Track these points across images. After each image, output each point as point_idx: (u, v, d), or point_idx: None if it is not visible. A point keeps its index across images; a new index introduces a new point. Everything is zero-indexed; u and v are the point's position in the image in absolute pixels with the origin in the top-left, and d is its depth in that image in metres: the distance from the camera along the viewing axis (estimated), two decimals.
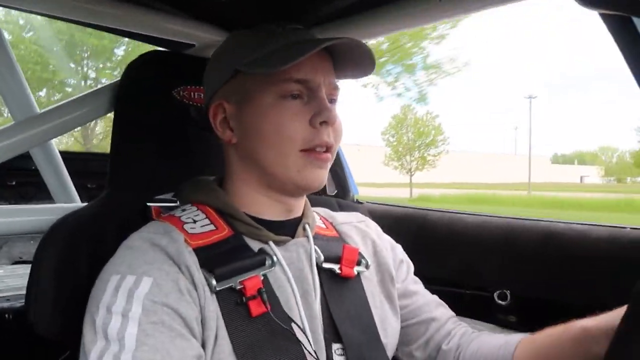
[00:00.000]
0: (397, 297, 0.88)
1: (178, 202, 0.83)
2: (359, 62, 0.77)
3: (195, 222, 0.73)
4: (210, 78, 0.82)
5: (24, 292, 1.25)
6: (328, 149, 0.75)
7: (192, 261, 0.67)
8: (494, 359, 0.79)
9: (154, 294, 0.61)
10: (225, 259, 0.69)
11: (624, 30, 0.71)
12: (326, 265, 0.78)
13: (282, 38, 0.75)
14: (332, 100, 0.77)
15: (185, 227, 0.72)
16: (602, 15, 0.71)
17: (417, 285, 0.93)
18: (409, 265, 0.94)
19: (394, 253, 0.92)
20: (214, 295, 0.66)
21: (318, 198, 1.24)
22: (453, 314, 0.92)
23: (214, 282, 0.66)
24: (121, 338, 0.59)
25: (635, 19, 0.69)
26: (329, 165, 0.77)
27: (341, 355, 0.74)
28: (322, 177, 0.75)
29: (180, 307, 0.62)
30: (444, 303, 0.93)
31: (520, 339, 0.79)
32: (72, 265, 0.77)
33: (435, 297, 0.93)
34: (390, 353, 0.83)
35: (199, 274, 0.66)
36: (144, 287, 0.62)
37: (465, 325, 0.90)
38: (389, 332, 0.83)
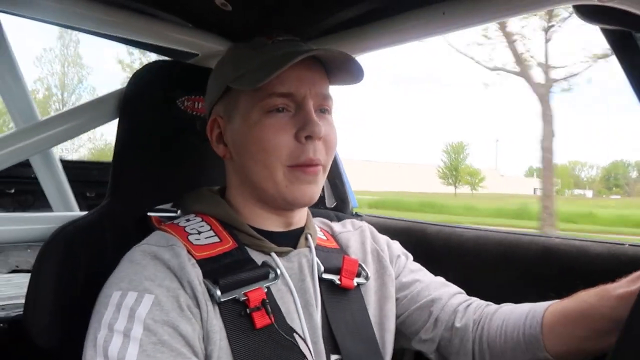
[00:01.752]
0: (395, 291, 0.87)
1: (178, 212, 0.83)
2: (349, 70, 0.77)
3: (199, 233, 0.74)
4: (208, 93, 0.83)
5: (19, 301, 1.24)
6: (317, 163, 0.74)
7: (195, 274, 0.66)
8: (521, 329, 0.76)
9: (154, 313, 0.61)
10: (229, 270, 0.69)
11: (625, 45, 0.71)
12: (326, 276, 0.78)
13: (270, 51, 0.75)
14: (324, 110, 0.77)
15: (190, 238, 0.72)
16: (604, 30, 0.72)
17: (414, 273, 0.91)
18: (407, 256, 0.94)
19: (390, 250, 0.92)
20: (217, 308, 0.66)
21: (316, 211, 1.23)
22: (460, 290, 0.90)
23: (218, 292, 0.66)
24: (121, 358, 0.58)
25: (635, 34, 0.70)
26: (321, 179, 0.76)
27: None
28: (311, 192, 0.75)
29: (181, 325, 0.62)
30: (449, 283, 0.91)
31: (547, 305, 0.76)
32: (71, 274, 0.76)
33: (438, 278, 0.91)
34: None
35: (201, 288, 0.66)
36: (146, 305, 0.62)
37: (475, 299, 0.88)
38: (387, 340, 0.83)
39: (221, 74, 0.80)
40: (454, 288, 0.90)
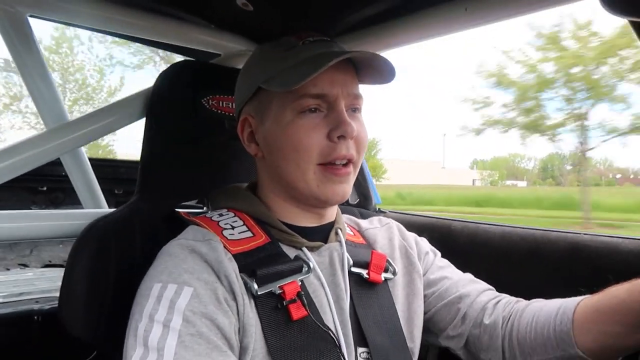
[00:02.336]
0: (424, 288, 0.87)
1: (205, 209, 0.85)
2: (380, 70, 0.77)
3: (233, 228, 0.75)
4: (238, 93, 0.84)
5: (52, 294, 1.28)
6: (349, 161, 0.75)
7: (232, 268, 0.68)
8: (552, 325, 0.75)
9: (193, 305, 0.63)
10: (264, 264, 0.70)
11: None
12: (355, 269, 0.79)
13: (302, 52, 0.76)
14: (356, 109, 0.78)
15: (225, 233, 0.74)
16: (632, 23, 0.69)
17: (442, 270, 0.91)
18: (435, 253, 0.94)
19: (419, 247, 0.93)
20: (253, 301, 0.68)
21: (340, 207, 1.24)
22: (489, 287, 0.89)
23: (255, 286, 0.67)
24: (160, 348, 0.60)
25: None
26: (352, 179, 0.77)
27: (366, 359, 0.74)
28: (343, 191, 0.76)
29: (218, 318, 0.63)
30: (478, 280, 0.91)
31: (578, 300, 0.75)
32: (103, 267, 0.79)
33: (467, 275, 0.91)
34: (415, 358, 0.83)
35: (238, 282, 0.67)
36: (185, 297, 0.63)
37: (505, 295, 0.87)
38: (416, 335, 0.83)
39: (252, 74, 0.81)
40: (483, 285, 0.90)
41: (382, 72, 0.77)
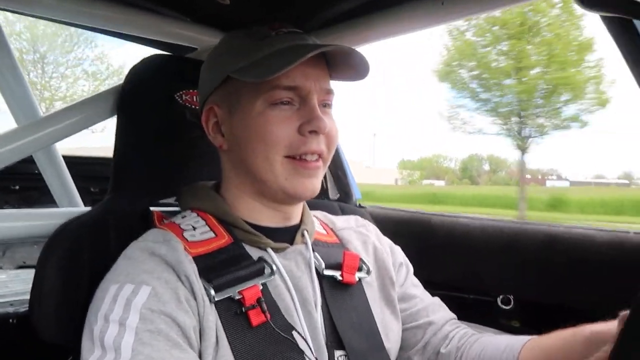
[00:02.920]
0: (397, 300, 0.87)
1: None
2: (354, 66, 0.76)
3: (194, 229, 0.73)
4: (203, 82, 0.81)
5: (27, 297, 1.25)
6: (320, 156, 0.74)
7: (192, 270, 0.66)
8: None
9: (151, 303, 0.61)
10: (224, 268, 0.69)
11: (625, 32, 0.70)
12: (327, 272, 0.78)
13: (275, 43, 0.74)
14: (326, 105, 0.76)
15: (185, 234, 0.72)
16: (603, 18, 0.71)
17: (416, 288, 0.92)
18: (408, 268, 0.94)
19: (394, 256, 0.92)
20: (213, 305, 0.66)
21: (320, 202, 1.23)
22: (453, 316, 0.91)
23: (212, 292, 0.66)
24: (117, 347, 0.58)
25: (636, 22, 0.69)
26: (321, 173, 0.76)
27: None
28: (312, 185, 0.74)
29: (178, 316, 0.62)
30: (444, 305, 0.92)
31: (525, 340, 0.77)
32: (75, 269, 0.77)
33: (436, 300, 0.93)
34: (393, 358, 0.82)
35: (198, 283, 0.66)
36: (142, 295, 0.61)
37: (464, 327, 0.89)
38: (391, 337, 0.83)
39: (220, 63, 0.78)
40: (448, 313, 0.91)
41: (355, 68, 0.76)
